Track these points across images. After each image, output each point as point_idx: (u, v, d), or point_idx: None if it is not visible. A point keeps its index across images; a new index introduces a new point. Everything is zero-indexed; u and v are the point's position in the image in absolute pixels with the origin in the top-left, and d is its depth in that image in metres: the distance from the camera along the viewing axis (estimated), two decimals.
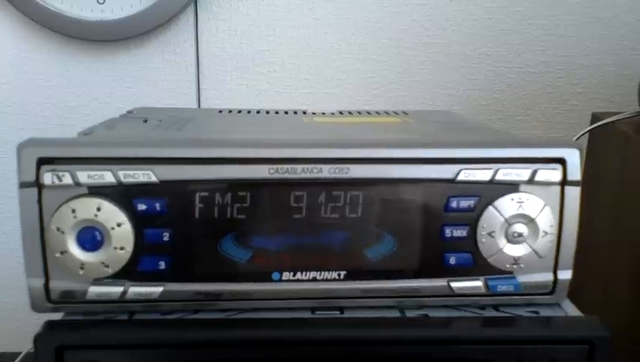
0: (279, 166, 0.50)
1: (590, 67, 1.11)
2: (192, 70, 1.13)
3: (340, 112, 0.78)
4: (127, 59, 1.12)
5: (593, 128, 0.90)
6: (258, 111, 0.77)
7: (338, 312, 0.54)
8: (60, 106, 1.13)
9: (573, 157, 0.52)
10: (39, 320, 0.50)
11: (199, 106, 1.12)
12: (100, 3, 1.06)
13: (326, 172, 0.51)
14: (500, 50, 1.11)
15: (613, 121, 0.87)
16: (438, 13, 1.10)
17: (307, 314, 0.54)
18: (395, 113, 0.78)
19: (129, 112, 0.74)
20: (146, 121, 0.67)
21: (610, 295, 0.85)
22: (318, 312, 0.54)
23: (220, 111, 0.77)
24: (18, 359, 0.81)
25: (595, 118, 0.93)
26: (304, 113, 0.76)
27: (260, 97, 1.13)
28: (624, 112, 0.86)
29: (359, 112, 0.78)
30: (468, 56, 1.11)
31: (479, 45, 1.11)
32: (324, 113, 0.76)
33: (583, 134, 0.88)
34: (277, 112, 0.77)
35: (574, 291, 0.84)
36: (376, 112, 0.79)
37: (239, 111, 0.77)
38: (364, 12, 1.10)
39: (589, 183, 0.95)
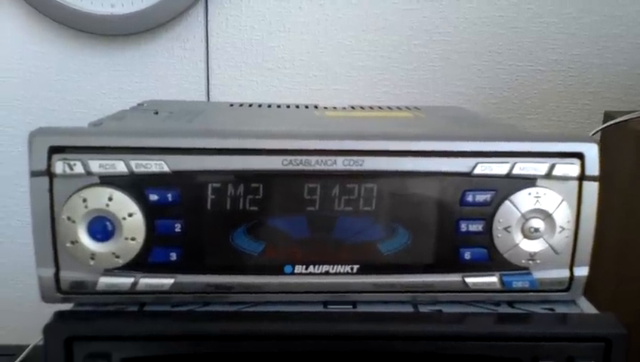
0: (293, 157, 0.50)
1: (602, 66, 1.10)
2: (202, 65, 1.12)
3: (352, 107, 0.77)
4: (136, 54, 1.12)
5: (606, 127, 0.89)
6: (269, 105, 0.77)
7: (351, 306, 0.54)
8: (69, 100, 1.13)
9: (592, 152, 0.52)
10: (46, 314, 0.50)
11: (209, 101, 1.12)
12: None
13: (340, 164, 0.50)
14: (512, 48, 1.10)
15: (625, 120, 0.86)
16: (449, 11, 1.09)
17: (319, 308, 0.54)
18: (407, 108, 0.77)
19: (139, 105, 0.73)
20: (156, 113, 0.66)
21: (622, 293, 0.84)
22: (330, 306, 0.54)
23: (231, 105, 0.77)
24: (26, 351, 0.81)
25: (607, 116, 0.93)
26: (315, 107, 0.76)
27: (270, 93, 1.12)
28: (637, 111, 0.85)
29: (371, 107, 0.78)
30: (479, 54, 1.10)
31: (490, 43, 1.10)
32: (335, 107, 0.75)
33: (595, 133, 0.87)
34: (288, 106, 0.76)
35: (587, 288, 0.83)
36: (388, 107, 0.78)
37: (250, 105, 0.76)
38: (375, 9, 1.09)
39: (602, 182, 0.94)
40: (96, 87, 1.13)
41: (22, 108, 1.13)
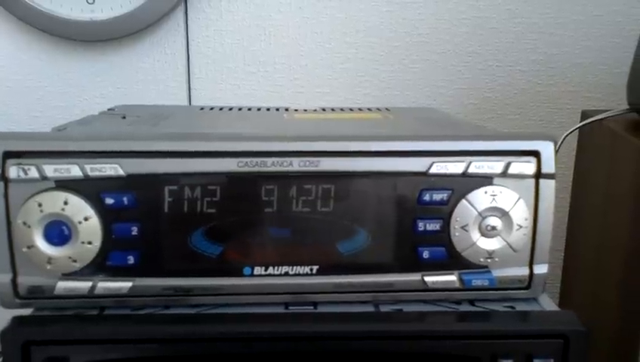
0: (248, 159, 0.50)
1: (581, 66, 1.10)
2: (183, 70, 1.12)
3: (323, 109, 0.77)
4: (117, 60, 1.12)
5: (582, 126, 0.89)
6: (240, 109, 0.77)
7: (312, 307, 0.54)
8: (51, 107, 1.13)
9: (548, 150, 0.51)
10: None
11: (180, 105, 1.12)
12: (89, 3, 1.06)
13: (296, 165, 0.50)
14: (491, 48, 1.10)
15: (601, 119, 0.85)
16: (429, 12, 1.09)
17: (280, 309, 0.53)
18: (378, 109, 0.77)
19: (110, 110, 0.74)
20: (124, 118, 0.66)
21: (601, 295, 0.84)
22: (291, 307, 0.54)
23: (202, 109, 0.77)
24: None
25: (584, 115, 0.93)
26: (286, 110, 0.76)
27: (251, 97, 1.12)
28: (612, 110, 0.85)
29: (341, 109, 0.78)
30: (458, 55, 1.10)
31: (470, 44, 1.10)
32: (305, 110, 0.76)
33: (570, 132, 0.87)
34: (259, 109, 0.77)
35: (564, 291, 0.83)
36: (359, 109, 0.78)
37: (220, 109, 0.77)
38: (355, 11, 1.09)
39: (578, 181, 0.94)
40: (78, 93, 1.13)
41: (3, 116, 1.13)
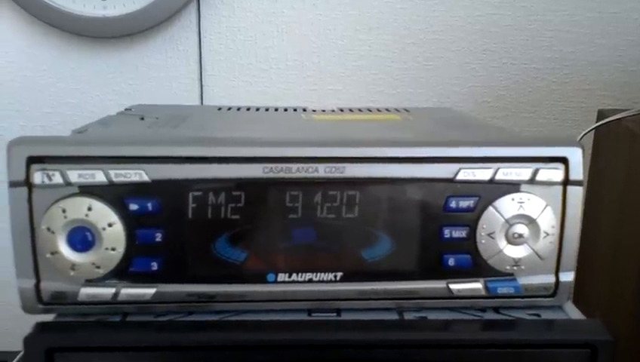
0: (273, 165, 0.49)
1: (597, 64, 1.09)
2: (195, 67, 1.12)
3: (341, 109, 0.77)
4: (129, 56, 1.11)
5: (599, 126, 0.88)
6: (257, 109, 0.76)
7: (335, 314, 0.53)
8: (63, 103, 1.13)
9: (576, 156, 0.51)
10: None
11: (202, 103, 1.11)
12: None
13: (322, 171, 0.50)
14: (506, 46, 1.09)
15: (619, 119, 0.85)
16: (443, 9, 1.08)
17: (303, 316, 0.53)
18: (397, 110, 0.77)
19: (127, 110, 0.73)
20: (142, 119, 0.66)
21: (617, 295, 0.84)
22: (314, 314, 0.53)
23: (219, 109, 0.76)
24: (16, 359, 0.80)
25: (601, 115, 0.92)
26: (304, 110, 0.75)
27: (263, 94, 1.12)
28: (630, 110, 0.85)
29: (359, 109, 0.77)
30: (473, 53, 1.10)
31: (484, 42, 1.09)
32: (324, 110, 0.75)
33: (588, 132, 0.86)
34: (276, 109, 0.76)
35: (580, 291, 0.83)
36: (377, 109, 0.77)
37: (238, 109, 0.76)
38: (368, 8, 1.08)
39: (595, 181, 0.94)
40: (90, 90, 1.12)
41: (15, 112, 1.12)
